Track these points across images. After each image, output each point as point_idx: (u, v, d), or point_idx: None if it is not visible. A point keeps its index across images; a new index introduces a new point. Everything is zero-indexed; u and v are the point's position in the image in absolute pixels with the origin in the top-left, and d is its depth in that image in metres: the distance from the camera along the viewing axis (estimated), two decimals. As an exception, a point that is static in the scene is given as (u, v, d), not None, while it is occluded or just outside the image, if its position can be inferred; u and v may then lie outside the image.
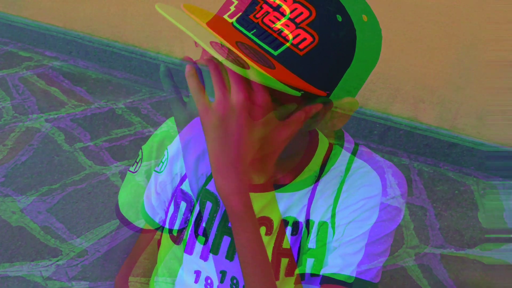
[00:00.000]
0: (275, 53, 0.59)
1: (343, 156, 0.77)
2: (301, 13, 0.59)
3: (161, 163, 0.83)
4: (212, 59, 0.60)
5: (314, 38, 0.59)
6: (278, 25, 0.59)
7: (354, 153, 0.77)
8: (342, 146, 0.78)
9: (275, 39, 0.59)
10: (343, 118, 0.69)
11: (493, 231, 1.89)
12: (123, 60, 2.65)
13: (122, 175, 2.04)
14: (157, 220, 0.86)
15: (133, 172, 0.88)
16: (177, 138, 0.82)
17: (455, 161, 2.17)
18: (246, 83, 0.57)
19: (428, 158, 2.21)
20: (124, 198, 0.91)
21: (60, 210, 1.85)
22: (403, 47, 2.08)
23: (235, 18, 0.62)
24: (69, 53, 2.78)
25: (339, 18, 0.60)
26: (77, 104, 2.44)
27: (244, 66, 0.54)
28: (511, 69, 1.98)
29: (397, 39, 2.07)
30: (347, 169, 0.76)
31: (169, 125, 0.86)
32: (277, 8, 0.60)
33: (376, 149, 2.27)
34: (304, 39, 0.58)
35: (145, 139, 2.27)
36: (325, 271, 0.74)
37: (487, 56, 1.99)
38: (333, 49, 0.60)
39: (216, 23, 0.62)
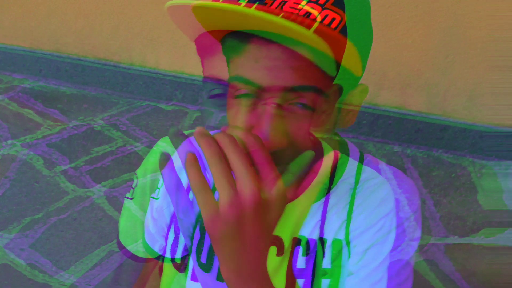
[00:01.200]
0: (309, 32, 0.51)
1: (351, 165, 0.72)
2: None
3: (157, 189, 0.79)
4: (207, 137, 0.48)
5: (342, 17, 0.55)
6: (303, 6, 0.54)
7: (361, 161, 0.72)
8: (348, 154, 0.73)
9: (304, 21, 0.53)
10: (355, 111, 0.65)
11: (495, 214, 1.84)
12: (96, 74, 2.55)
13: (108, 197, 1.95)
14: (156, 249, 0.82)
15: (130, 199, 0.83)
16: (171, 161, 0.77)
17: (449, 144, 2.12)
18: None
19: (421, 145, 2.16)
20: (122, 226, 0.87)
21: (44, 244, 1.76)
22: (384, 32, 2.02)
23: (253, 7, 0.54)
24: (39, 72, 2.67)
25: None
26: (53, 125, 2.34)
27: (305, 26, 0.49)
28: (497, 46, 1.92)
29: (377, 24, 2.00)
30: (357, 181, 0.71)
31: (162, 146, 0.81)
32: None
33: (366, 140, 2.21)
34: (333, 19, 0.55)
35: (127, 157, 2.19)
36: None
37: (471, 35, 1.93)
38: (360, 27, 0.58)
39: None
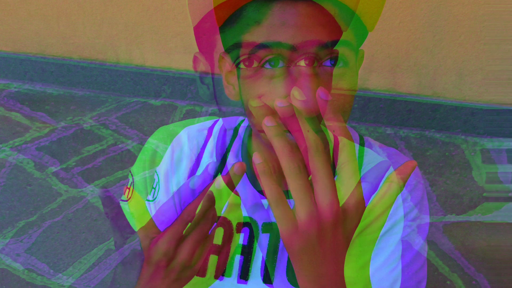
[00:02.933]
0: None
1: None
2: None
3: (153, 189, 0.76)
4: (284, 139, 0.43)
5: None
6: None
7: (362, 144, 0.71)
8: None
9: None
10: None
11: (491, 189, 1.85)
12: (82, 73, 2.52)
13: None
14: None
15: (125, 201, 0.80)
16: (165, 157, 0.76)
17: (441, 124, 2.12)
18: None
19: (414, 126, 2.16)
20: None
21: (40, 248, 1.73)
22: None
23: None
24: (24, 75, 2.63)
25: None
26: (42, 127, 2.31)
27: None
28: (484, 23, 1.92)
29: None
30: (360, 163, 0.69)
31: (153, 144, 0.78)
32: None
33: (358, 124, 2.21)
34: None
35: (119, 155, 2.16)
36: None
37: (457, 12, 1.93)
38: None
39: None
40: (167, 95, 2.45)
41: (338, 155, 0.66)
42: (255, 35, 0.54)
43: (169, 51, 2.34)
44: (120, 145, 2.19)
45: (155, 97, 2.48)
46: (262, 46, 0.53)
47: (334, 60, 0.55)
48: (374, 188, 0.60)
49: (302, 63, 0.53)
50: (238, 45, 0.56)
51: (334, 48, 0.54)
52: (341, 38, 0.54)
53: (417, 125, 2.15)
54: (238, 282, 0.75)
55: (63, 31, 2.46)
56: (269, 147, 0.58)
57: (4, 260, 1.69)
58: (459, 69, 2.03)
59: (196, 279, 0.79)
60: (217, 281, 0.76)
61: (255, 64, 0.55)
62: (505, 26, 1.91)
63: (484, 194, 1.83)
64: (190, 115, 2.37)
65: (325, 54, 0.54)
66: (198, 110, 2.41)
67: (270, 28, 0.53)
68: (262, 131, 0.57)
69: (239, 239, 0.72)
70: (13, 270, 1.66)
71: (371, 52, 2.08)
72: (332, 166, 0.69)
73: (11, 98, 2.54)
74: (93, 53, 2.48)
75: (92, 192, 1.95)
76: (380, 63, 2.08)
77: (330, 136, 0.68)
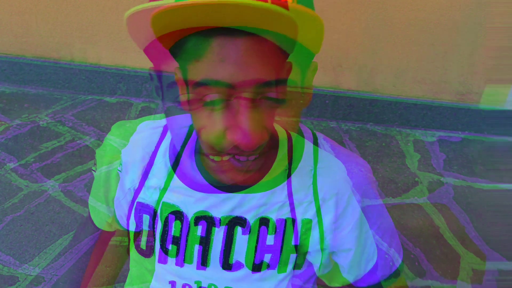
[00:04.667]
0: (287, 12, 0.49)
1: (308, 147, 0.74)
2: None
3: (120, 165, 0.79)
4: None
5: None
6: None
7: (315, 142, 0.75)
8: (302, 136, 0.74)
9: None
10: (311, 91, 0.66)
11: (423, 175, 2.08)
12: (36, 72, 2.55)
13: (63, 190, 1.99)
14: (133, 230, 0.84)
15: (95, 171, 0.85)
16: (121, 154, 0.78)
17: (378, 118, 2.34)
18: None
19: (355, 120, 2.36)
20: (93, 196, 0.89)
21: (4, 241, 1.78)
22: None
23: None
24: (-26, 73, 2.62)
25: None
26: (-4, 126, 2.33)
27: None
28: (416, 26, 2.14)
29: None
30: (315, 162, 0.73)
31: (111, 139, 0.81)
32: None
33: (305, 119, 2.38)
34: None
35: (78, 151, 2.22)
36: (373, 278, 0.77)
37: (395, 17, 2.14)
38: None
39: None
40: (122, 92, 2.52)
41: (293, 152, 0.72)
42: (195, 72, 0.54)
43: (124, 49, 2.42)
44: (78, 141, 2.25)
45: (110, 94, 2.55)
46: (201, 84, 0.54)
47: (273, 97, 0.56)
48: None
49: (242, 98, 0.55)
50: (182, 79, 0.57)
51: (275, 86, 0.55)
52: (280, 77, 0.54)
53: (358, 119, 2.36)
54: (198, 268, 0.79)
55: (15, 29, 2.48)
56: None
57: (-32, 254, 1.73)
58: (395, 68, 2.25)
59: (144, 259, 0.84)
60: (179, 267, 0.80)
61: (198, 97, 0.56)
62: (433, 30, 2.14)
63: (416, 179, 2.05)
64: (146, 112, 2.46)
65: (265, 91, 0.55)
66: (153, 107, 2.51)
67: (209, 65, 0.53)
68: (207, 155, 0.62)
69: (197, 231, 0.75)
70: (-22, 265, 1.70)
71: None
72: (289, 164, 0.73)
73: (-38, 96, 2.53)
74: (47, 51, 2.51)
75: (53, 186, 2.01)
76: (324, 63, 2.27)
77: (282, 132, 0.72)
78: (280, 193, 0.72)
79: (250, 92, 0.54)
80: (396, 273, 0.79)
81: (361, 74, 2.27)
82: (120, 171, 0.78)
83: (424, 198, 1.95)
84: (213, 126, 0.57)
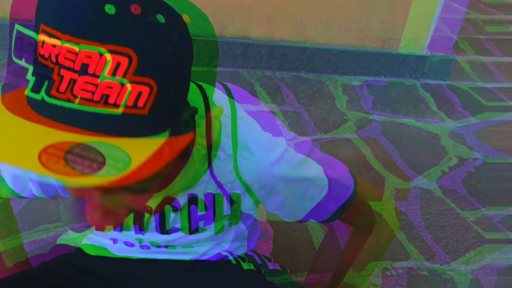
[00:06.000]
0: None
1: (225, 121, 0.72)
2: (118, 63, 0.47)
3: None
4: None
5: (151, 86, 0.50)
6: (97, 94, 0.48)
7: (233, 108, 0.74)
8: (219, 114, 0.71)
9: (104, 110, 0.48)
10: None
11: (351, 114, 2.27)
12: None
13: None
14: (25, 195, 0.85)
15: None
16: None
17: (310, 65, 2.50)
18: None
19: (289, 69, 2.51)
20: None
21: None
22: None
23: (42, 94, 0.49)
24: None
25: (169, 50, 0.51)
26: None
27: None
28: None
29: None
30: (235, 146, 0.72)
31: None
32: (84, 70, 0.47)
33: (242, 69, 2.50)
34: (140, 93, 0.49)
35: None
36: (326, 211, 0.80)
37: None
38: (175, 82, 0.53)
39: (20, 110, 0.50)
40: None
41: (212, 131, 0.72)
42: None
43: None
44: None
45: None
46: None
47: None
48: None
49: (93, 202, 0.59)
50: None
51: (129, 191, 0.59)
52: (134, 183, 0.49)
53: (291, 67, 2.50)
54: (136, 233, 0.85)
55: None
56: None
57: None
58: (323, 17, 2.40)
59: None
60: (118, 232, 0.85)
61: None
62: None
63: (345, 117, 2.24)
64: None
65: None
66: None
67: None
68: None
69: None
70: None
71: (249, 4, 2.36)
72: (208, 148, 0.72)
73: None
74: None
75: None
76: (257, 14, 2.38)
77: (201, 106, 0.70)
78: (204, 179, 0.74)
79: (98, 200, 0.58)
80: (350, 198, 0.83)
81: (293, 24, 2.41)
82: None
83: (354, 134, 2.14)
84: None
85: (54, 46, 0.47)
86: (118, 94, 0.48)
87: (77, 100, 0.48)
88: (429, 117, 2.32)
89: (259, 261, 0.97)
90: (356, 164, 1.97)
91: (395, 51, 2.48)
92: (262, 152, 0.72)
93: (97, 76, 0.47)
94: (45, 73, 0.48)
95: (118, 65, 0.47)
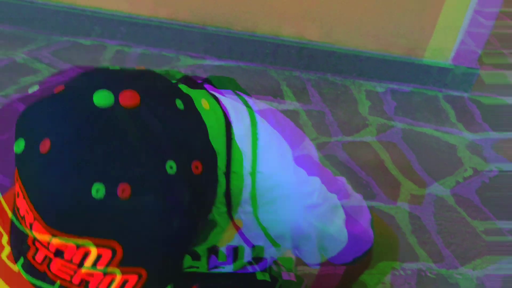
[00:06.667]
0: None
1: (245, 185, 0.63)
2: (100, 256, 0.42)
3: None
4: None
5: (140, 274, 0.44)
6: (76, 278, 0.43)
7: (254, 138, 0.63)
8: (239, 168, 0.61)
9: None
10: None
11: (373, 119, 2.35)
12: (12, 11, 2.62)
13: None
14: None
15: None
16: None
17: (336, 68, 2.58)
18: None
19: (316, 70, 2.59)
20: None
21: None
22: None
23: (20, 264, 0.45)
24: None
25: (165, 235, 0.44)
26: (-28, 60, 2.40)
27: None
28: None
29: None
30: (254, 201, 0.64)
31: None
32: (60, 254, 0.43)
33: (270, 67, 2.59)
34: (126, 281, 0.44)
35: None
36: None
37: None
38: (172, 266, 0.48)
39: None
40: (97, 34, 2.64)
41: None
42: None
43: (100, -7, 2.53)
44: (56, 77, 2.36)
45: (85, 36, 2.66)
46: None
47: None
48: None
49: None
50: None
51: None
52: None
53: (318, 69, 2.59)
54: None
55: (-9, -33, 2.53)
56: None
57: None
58: (352, 22, 2.48)
59: None
60: None
61: None
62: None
63: (367, 122, 2.32)
64: (120, 54, 2.59)
65: None
66: (127, 50, 2.64)
67: None
68: None
69: None
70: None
71: (282, 4, 2.45)
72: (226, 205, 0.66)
73: None
74: (23, -9, 2.58)
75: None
76: (289, 14, 2.47)
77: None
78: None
79: None
80: (365, 254, 0.77)
81: (323, 27, 2.50)
82: None
83: (373, 138, 2.23)
84: None
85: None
86: (100, 282, 0.42)
87: (55, 279, 0.43)
88: (448, 127, 2.40)
89: (275, 269, 0.94)
90: (374, 167, 2.06)
91: (420, 60, 2.56)
92: (290, 202, 0.65)
93: (75, 264, 0.42)
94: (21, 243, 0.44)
95: (99, 257, 0.41)
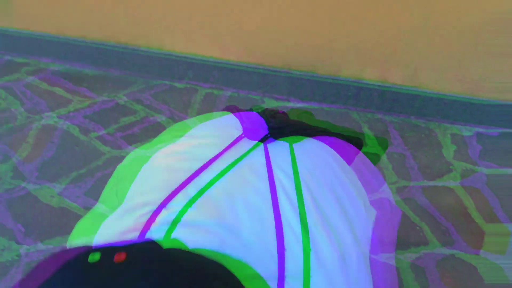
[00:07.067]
0: None
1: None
2: None
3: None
4: None
5: None
6: None
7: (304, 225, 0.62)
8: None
9: None
10: None
11: (458, 163, 2.29)
12: (117, 57, 2.91)
13: (141, 155, 2.32)
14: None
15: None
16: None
17: (420, 111, 2.57)
18: None
19: (399, 112, 2.59)
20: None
21: (96, 193, 2.13)
22: (365, 13, 2.44)
23: None
24: (64, 56, 3.02)
25: None
26: (82, 100, 2.70)
27: None
28: (459, 30, 2.36)
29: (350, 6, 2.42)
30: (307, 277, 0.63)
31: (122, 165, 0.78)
32: None
33: (352, 109, 2.64)
34: None
35: (152, 126, 2.56)
36: None
37: (440, 21, 2.37)
38: None
39: None
40: (190, 78, 2.85)
41: None
42: None
43: (195, 39, 2.75)
44: (151, 118, 2.59)
45: (179, 80, 2.89)
46: None
47: None
48: None
49: None
50: None
51: None
52: None
53: (401, 111, 2.59)
54: None
55: (102, 18, 2.86)
56: None
57: (63, 201, 2.08)
58: (437, 66, 2.47)
59: None
60: None
61: None
62: (475, 34, 2.36)
63: (451, 167, 2.28)
64: (210, 96, 2.78)
65: None
66: (216, 93, 2.82)
67: None
68: None
69: None
70: (71, 208, 2.05)
71: (366, 49, 2.51)
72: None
73: (54, 74, 2.92)
74: (128, 39, 2.87)
75: (131, 151, 2.34)
76: (372, 59, 2.52)
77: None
78: None
79: None
80: None
81: (407, 70, 2.51)
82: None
83: (457, 183, 2.18)
84: None
85: None
86: None
87: None
88: (541, 174, 2.28)
89: None
90: (457, 215, 2.01)
91: (509, 102, 2.47)
92: None
93: None
94: None
95: None
